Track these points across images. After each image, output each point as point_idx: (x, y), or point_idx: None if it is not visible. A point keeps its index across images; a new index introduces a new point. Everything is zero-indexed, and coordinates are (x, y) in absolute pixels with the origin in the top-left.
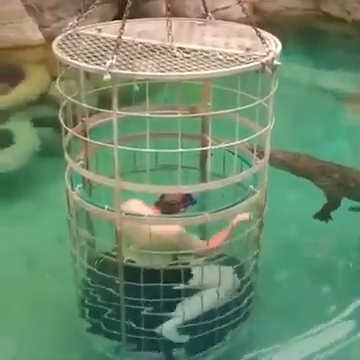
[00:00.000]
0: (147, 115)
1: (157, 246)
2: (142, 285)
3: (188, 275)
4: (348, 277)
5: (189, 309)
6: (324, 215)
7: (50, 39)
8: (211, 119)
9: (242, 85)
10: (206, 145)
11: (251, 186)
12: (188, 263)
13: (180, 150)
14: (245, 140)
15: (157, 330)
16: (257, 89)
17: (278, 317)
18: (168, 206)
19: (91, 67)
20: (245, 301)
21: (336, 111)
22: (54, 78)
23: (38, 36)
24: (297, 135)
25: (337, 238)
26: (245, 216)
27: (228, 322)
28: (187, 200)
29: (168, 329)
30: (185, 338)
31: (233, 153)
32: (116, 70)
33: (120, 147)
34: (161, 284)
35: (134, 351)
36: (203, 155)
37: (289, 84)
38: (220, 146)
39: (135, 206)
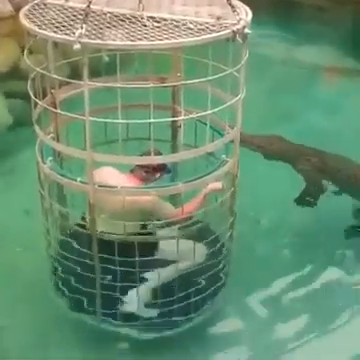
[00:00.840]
0: (118, 85)
1: (130, 213)
2: (117, 258)
3: (154, 247)
4: (323, 251)
5: (147, 283)
6: (304, 199)
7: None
8: (182, 89)
9: (213, 55)
10: (177, 116)
11: (223, 156)
12: (156, 233)
13: (152, 120)
14: (216, 109)
15: (125, 307)
16: (228, 59)
17: (253, 287)
18: (143, 173)
19: (60, 37)
20: (221, 269)
21: (311, 83)
22: (24, 50)
23: (7, 8)
24: (273, 107)
25: (316, 218)
26: (218, 185)
27: (204, 292)
28: (162, 168)
29: (132, 302)
30: (152, 313)
31: (205, 124)
32: (86, 40)
33: (91, 118)
34: (137, 258)
35: (110, 316)
36: (174, 126)
37: (263, 56)
38: (191, 116)
39: (108, 174)
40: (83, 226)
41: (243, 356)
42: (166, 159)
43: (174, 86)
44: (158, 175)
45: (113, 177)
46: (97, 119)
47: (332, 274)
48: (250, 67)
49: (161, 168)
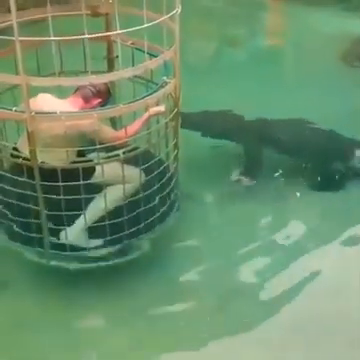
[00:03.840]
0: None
1: (70, 139)
2: (61, 184)
3: (91, 173)
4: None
5: (92, 209)
6: (249, 173)
7: None
8: (116, 16)
9: None
10: (112, 45)
11: (164, 77)
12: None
13: (86, 36)
14: (151, 24)
15: (62, 238)
16: None
17: (204, 207)
18: (83, 96)
19: None
20: (169, 191)
21: (258, 9)
22: None
23: None
24: (217, 34)
25: None
26: (160, 108)
27: (153, 214)
28: (102, 93)
29: (73, 234)
30: (96, 242)
31: (142, 51)
32: None
33: (22, 38)
34: (81, 182)
35: (59, 252)
36: (111, 59)
37: None
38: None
39: (46, 100)
40: (16, 157)
41: (199, 271)
42: (104, 78)
43: (107, 14)
44: (99, 100)
45: (51, 103)
46: (28, 38)
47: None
48: None
49: (101, 93)
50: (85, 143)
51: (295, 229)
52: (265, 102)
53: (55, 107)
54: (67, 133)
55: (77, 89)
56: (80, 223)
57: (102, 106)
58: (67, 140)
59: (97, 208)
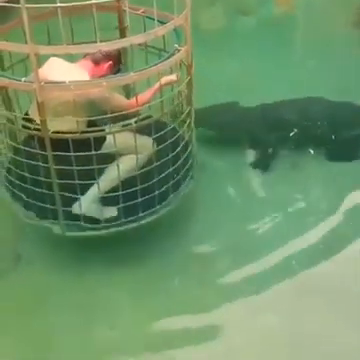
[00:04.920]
0: None
1: (80, 107)
2: (72, 154)
3: (102, 142)
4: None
5: (104, 178)
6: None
7: None
8: None
9: None
10: (122, 14)
11: (176, 45)
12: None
13: (94, 1)
14: None
15: (75, 209)
16: None
17: (220, 178)
18: (93, 59)
19: None
20: (184, 161)
21: None
22: None
23: None
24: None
25: None
26: (172, 77)
27: (167, 183)
28: (113, 57)
29: (87, 204)
30: (110, 213)
31: (153, 19)
32: None
33: (28, 5)
34: (93, 153)
35: (73, 221)
36: (122, 29)
37: None
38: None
39: (55, 65)
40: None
41: (213, 240)
42: (112, 45)
43: None
44: (109, 63)
45: (61, 68)
46: (34, 5)
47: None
48: None
49: (111, 56)
50: (96, 111)
51: (311, 197)
52: (276, 72)
53: (65, 71)
54: (77, 101)
55: (87, 53)
56: (93, 193)
57: (114, 70)
58: (77, 108)
59: (109, 178)
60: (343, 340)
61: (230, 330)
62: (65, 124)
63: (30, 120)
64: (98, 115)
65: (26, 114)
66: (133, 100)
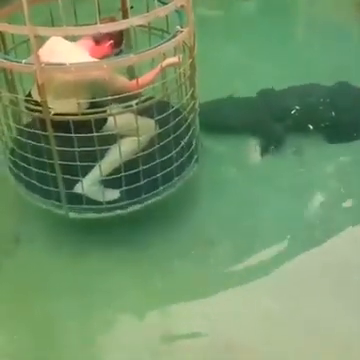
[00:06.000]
0: None
1: (82, 88)
2: (73, 135)
3: (103, 123)
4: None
5: (106, 160)
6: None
7: None
8: None
9: None
10: None
11: (178, 26)
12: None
13: None
14: None
15: (77, 190)
16: None
17: (223, 163)
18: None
19: None
20: (187, 142)
21: None
22: None
23: None
24: None
25: None
26: (174, 59)
27: (170, 165)
28: (115, 35)
29: (88, 185)
30: (112, 195)
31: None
32: None
33: None
34: (94, 134)
35: (76, 204)
36: (125, 10)
37: None
38: None
39: (56, 44)
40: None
41: (216, 223)
42: (112, 26)
43: None
44: (110, 41)
45: (62, 47)
46: None
47: None
48: None
49: (112, 34)
50: (97, 92)
51: (312, 181)
52: (277, 56)
53: (65, 51)
54: (77, 82)
55: None
56: (94, 174)
57: (115, 50)
58: (78, 89)
59: (111, 160)
60: (343, 324)
61: (230, 314)
62: (66, 105)
63: (33, 102)
64: (100, 96)
65: (28, 95)
66: (134, 82)
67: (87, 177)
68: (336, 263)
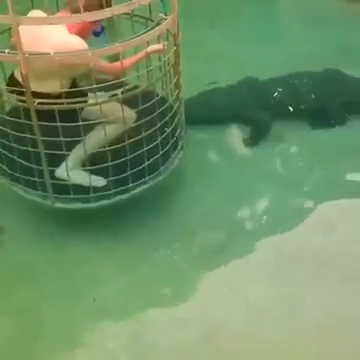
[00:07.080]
0: None
1: (64, 67)
2: (54, 125)
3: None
4: None
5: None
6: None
7: None
8: None
9: None
10: None
11: (161, 14)
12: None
13: None
14: None
15: (58, 174)
16: None
17: (207, 151)
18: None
19: None
20: (172, 130)
21: None
22: None
23: None
24: None
25: None
26: (159, 46)
27: (156, 153)
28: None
29: (71, 168)
30: (98, 182)
31: None
32: None
33: None
34: (80, 123)
35: (62, 194)
36: None
37: None
38: None
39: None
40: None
41: (201, 213)
42: (96, 15)
43: None
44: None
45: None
46: None
47: None
48: None
49: (92, 7)
50: (79, 72)
51: (297, 168)
52: (264, 43)
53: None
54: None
55: (66, 4)
56: (76, 154)
57: (96, 25)
58: (61, 68)
59: (92, 142)
60: (324, 308)
61: (213, 303)
62: (47, 85)
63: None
64: (83, 76)
65: (11, 77)
66: (117, 63)
67: (69, 158)
68: (317, 248)
